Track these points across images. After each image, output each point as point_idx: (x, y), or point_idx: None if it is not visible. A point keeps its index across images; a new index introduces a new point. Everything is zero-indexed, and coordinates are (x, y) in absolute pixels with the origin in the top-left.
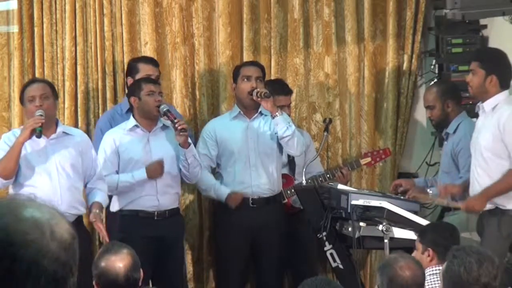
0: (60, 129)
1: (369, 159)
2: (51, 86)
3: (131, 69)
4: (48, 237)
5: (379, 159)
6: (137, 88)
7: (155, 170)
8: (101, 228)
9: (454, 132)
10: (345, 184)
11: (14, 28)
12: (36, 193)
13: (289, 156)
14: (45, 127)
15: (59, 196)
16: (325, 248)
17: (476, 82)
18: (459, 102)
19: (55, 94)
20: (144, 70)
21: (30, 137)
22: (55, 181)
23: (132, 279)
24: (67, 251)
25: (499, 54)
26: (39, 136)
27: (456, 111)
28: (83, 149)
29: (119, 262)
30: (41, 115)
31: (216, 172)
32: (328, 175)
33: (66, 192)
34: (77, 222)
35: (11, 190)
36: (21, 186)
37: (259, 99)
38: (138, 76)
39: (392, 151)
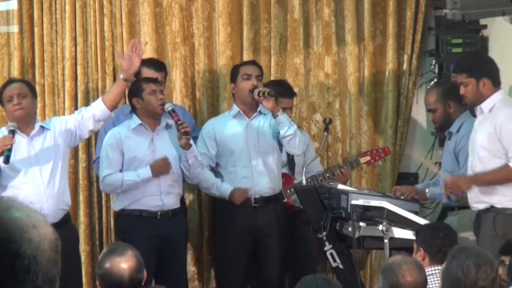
0: (37, 124)
1: (368, 157)
2: (28, 84)
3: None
4: (42, 236)
5: (378, 158)
6: (138, 89)
7: (159, 167)
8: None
9: (457, 131)
10: (345, 183)
11: (14, 28)
12: (20, 194)
13: (288, 155)
14: (25, 125)
15: (43, 196)
16: (325, 248)
17: (470, 92)
18: (460, 101)
19: (33, 93)
20: (146, 74)
21: None
22: (38, 180)
23: (136, 280)
24: (54, 251)
25: (479, 56)
26: (6, 162)
27: (458, 110)
28: (58, 133)
29: (123, 263)
30: (12, 130)
31: (216, 172)
32: (327, 174)
33: (50, 190)
34: (64, 220)
35: None
36: (4, 188)
37: (260, 98)
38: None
39: (392, 151)
